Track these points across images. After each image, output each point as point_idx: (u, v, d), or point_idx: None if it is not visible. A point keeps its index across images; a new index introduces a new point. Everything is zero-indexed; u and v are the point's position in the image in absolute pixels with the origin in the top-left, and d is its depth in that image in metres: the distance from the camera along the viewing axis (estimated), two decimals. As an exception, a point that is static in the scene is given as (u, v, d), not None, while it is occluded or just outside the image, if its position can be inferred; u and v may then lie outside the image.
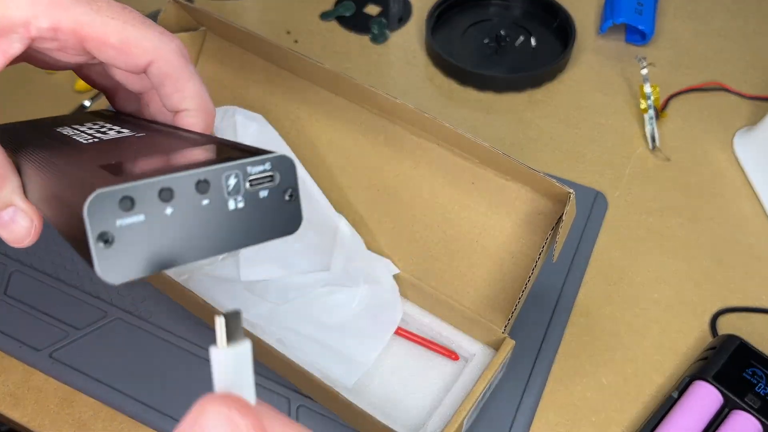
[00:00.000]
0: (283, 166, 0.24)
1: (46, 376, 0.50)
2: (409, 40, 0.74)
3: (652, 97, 0.64)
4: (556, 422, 0.48)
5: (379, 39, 0.73)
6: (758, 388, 0.47)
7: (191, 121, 0.30)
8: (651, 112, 0.64)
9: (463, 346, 0.49)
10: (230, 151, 0.24)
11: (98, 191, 0.20)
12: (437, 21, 0.74)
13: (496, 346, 0.48)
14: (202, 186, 0.22)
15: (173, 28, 0.54)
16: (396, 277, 0.50)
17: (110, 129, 0.31)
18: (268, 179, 0.23)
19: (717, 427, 0.46)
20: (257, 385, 0.49)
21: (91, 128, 0.32)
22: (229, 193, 0.22)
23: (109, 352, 0.51)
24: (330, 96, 0.51)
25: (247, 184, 0.23)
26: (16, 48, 0.27)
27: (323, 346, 0.49)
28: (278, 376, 0.49)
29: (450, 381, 0.48)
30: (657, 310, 0.54)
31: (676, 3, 0.77)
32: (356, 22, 0.75)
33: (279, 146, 0.51)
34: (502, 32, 0.73)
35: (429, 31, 0.71)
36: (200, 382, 0.49)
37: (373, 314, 0.50)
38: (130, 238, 0.21)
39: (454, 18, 0.75)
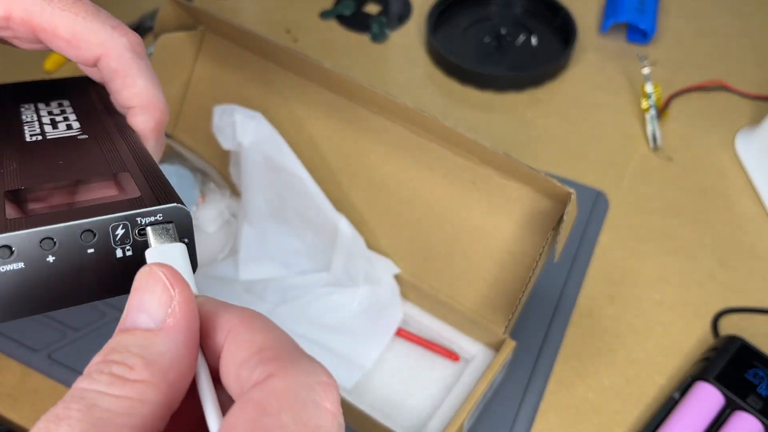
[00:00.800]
0: (178, 216, 0.23)
1: (44, 377, 0.50)
2: (409, 39, 0.74)
3: (654, 97, 0.64)
4: (558, 423, 0.48)
5: (379, 38, 0.73)
6: (760, 389, 0.47)
7: (139, 119, 0.29)
8: (652, 111, 0.64)
9: (463, 347, 0.49)
10: (133, 192, 0.24)
11: None
12: (438, 20, 0.73)
13: (497, 347, 0.48)
14: (87, 236, 0.22)
15: (172, 27, 0.54)
16: (396, 277, 0.50)
17: (67, 118, 0.31)
18: (159, 228, 0.23)
19: (719, 428, 0.46)
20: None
21: (51, 112, 0.32)
22: (116, 243, 0.22)
23: (107, 353, 0.50)
24: (330, 95, 0.51)
25: (136, 233, 0.23)
26: None
27: (323, 347, 0.49)
28: (278, 377, 0.49)
29: (450, 382, 0.48)
30: (659, 311, 0.53)
31: (678, 2, 0.77)
32: (356, 21, 0.75)
33: (278, 144, 0.50)
34: (503, 31, 0.73)
35: (429, 30, 0.71)
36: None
37: (373, 315, 0.50)
38: (8, 283, 0.21)
39: (454, 17, 0.75)
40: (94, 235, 0.22)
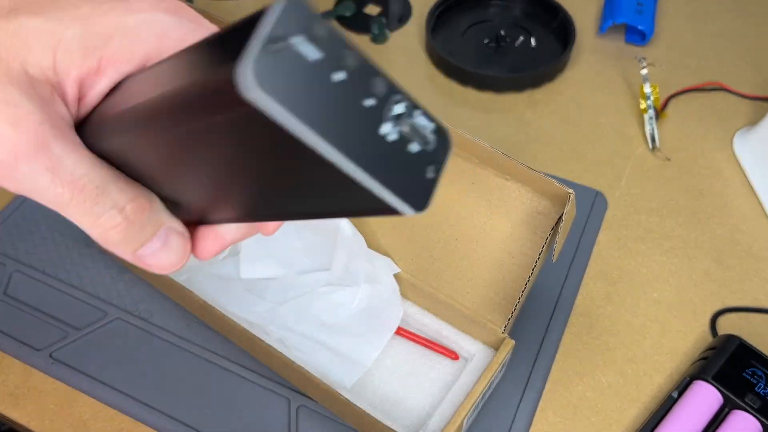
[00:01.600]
0: (442, 139, 0.20)
1: (45, 376, 0.50)
2: (409, 40, 0.74)
3: (652, 97, 0.64)
4: (556, 422, 0.48)
5: (379, 39, 0.73)
6: (758, 388, 0.47)
7: None
8: (651, 112, 0.64)
9: (463, 346, 0.49)
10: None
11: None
12: (437, 21, 0.73)
13: (496, 346, 0.48)
14: (377, 85, 0.19)
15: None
16: (396, 276, 0.50)
17: None
18: (423, 138, 0.20)
19: (717, 427, 0.46)
20: (256, 385, 0.49)
21: None
22: (386, 118, 0.19)
23: (108, 352, 0.51)
24: (330, 96, 0.51)
25: (406, 126, 0.19)
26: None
27: (323, 346, 0.49)
28: (278, 376, 0.49)
29: (450, 381, 0.48)
30: (657, 310, 0.54)
31: (676, 3, 0.77)
32: (356, 22, 0.75)
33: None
34: (502, 32, 0.73)
35: (429, 31, 0.71)
36: (200, 382, 0.49)
37: (373, 314, 0.50)
38: (292, 61, 0.17)
39: (454, 18, 0.75)
40: (383, 89, 0.19)
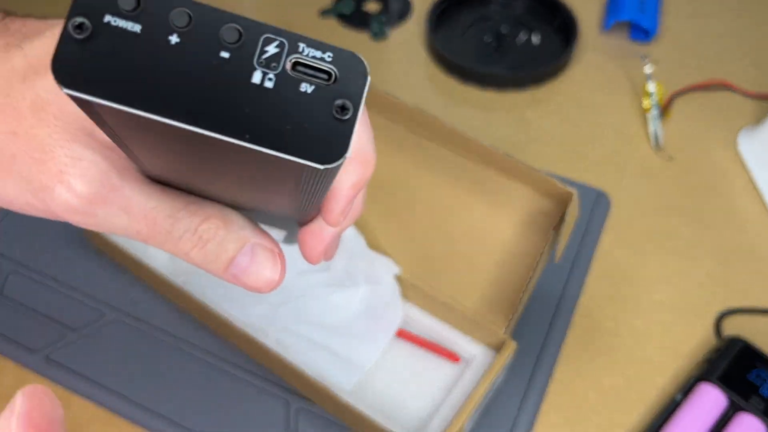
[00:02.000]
0: (351, 68, 0.17)
1: (41, 378, 0.49)
2: (409, 37, 0.73)
3: (656, 96, 0.64)
4: (559, 424, 0.48)
5: (378, 37, 0.73)
6: (763, 390, 0.46)
7: (341, 180, 0.24)
8: (654, 110, 0.64)
9: (464, 348, 0.49)
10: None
11: None
12: (438, 18, 0.73)
13: (498, 348, 0.48)
14: (231, 33, 0.16)
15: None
16: (396, 277, 0.50)
17: None
18: (322, 74, 0.17)
19: (721, 430, 0.45)
20: (254, 387, 0.49)
21: None
22: (258, 62, 0.16)
23: (105, 354, 0.50)
24: (329, 94, 0.50)
25: (288, 63, 0.17)
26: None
27: (323, 348, 0.49)
28: (277, 378, 0.49)
29: (451, 383, 0.48)
30: (660, 312, 0.53)
31: (680, 0, 0.77)
32: (356, 20, 0.74)
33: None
34: (504, 30, 0.72)
35: (430, 29, 0.71)
36: (198, 384, 0.49)
37: (373, 315, 0.50)
38: (111, 43, 0.16)
39: (455, 15, 0.74)
40: (239, 37, 0.16)
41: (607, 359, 0.51)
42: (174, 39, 0.16)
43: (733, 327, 0.52)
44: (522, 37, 0.72)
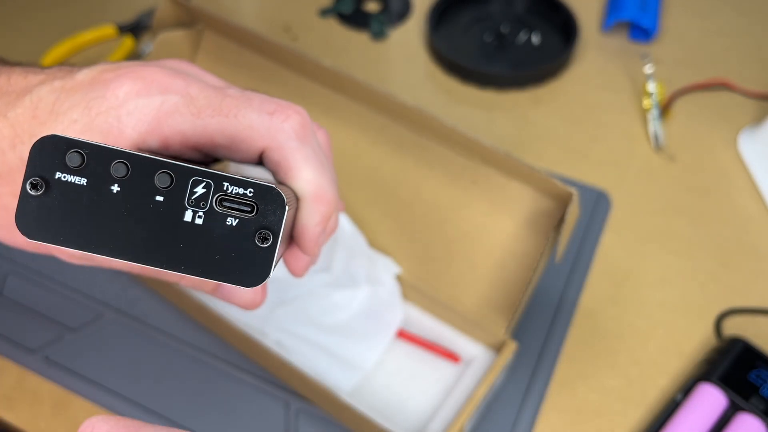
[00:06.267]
0: (270, 201, 0.20)
1: (41, 378, 0.49)
2: (409, 37, 0.73)
3: (656, 96, 0.64)
4: (559, 425, 0.48)
5: (379, 36, 0.73)
6: (763, 391, 0.46)
7: (303, 212, 0.27)
8: (655, 110, 0.64)
9: (464, 349, 0.49)
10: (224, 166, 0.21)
11: (49, 134, 0.18)
12: (438, 18, 0.73)
13: (498, 349, 0.47)
14: (163, 178, 0.19)
15: (170, 25, 0.54)
16: (397, 277, 0.50)
17: None
18: (246, 207, 0.20)
19: (721, 430, 0.45)
20: (254, 388, 0.49)
21: None
22: (189, 202, 0.19)
23: (105, 354, 0.50)
24: (329, 94, 0.50)
25: (215, 201, 0.19)
26: None
27: (322, 348, 0.49)
28: (276, 379, 0.49)
29: (451, 384, 0.48)
30: (661, 312, 0.53)
31: (681, 0, 0.77)
32: (356, 19, 0.74)
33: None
34: (504, 29, 0.72)
35: (430, 28, 0.71)
36: (197, 384, 0.49)
37: (373, 316, 0.50)
38: (64, 196, 0.19)
39: (455, 15, 0.74)
40: (171, 181, 0.19)
41: (608, 359, 0.51)
42: (115, 188, 0.19)
43: (734, 327, 0.52)
44: (522, 36, 0.72)
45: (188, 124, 0.25)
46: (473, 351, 0.48)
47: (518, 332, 0.50)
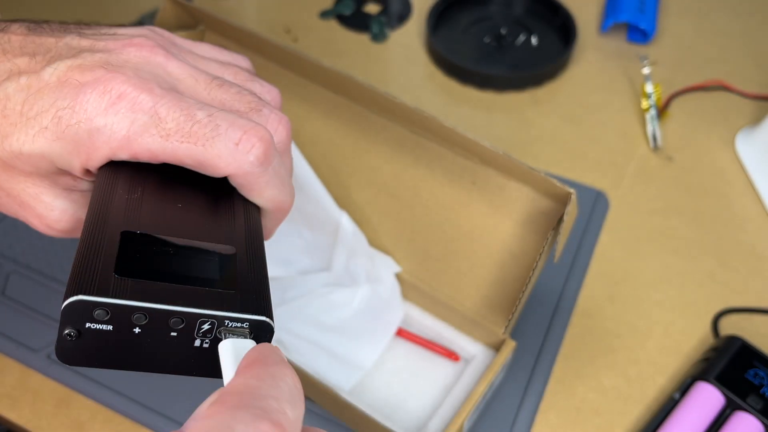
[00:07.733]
0: (262, 329, 0.25)
1: (43, 376, 0.49)
2: (409, 38, 0.74)
3: (654, 97, 0.64)
4: (558, 424, 0.48)
5: (378, 37, 0.73)
6: (761, 390, 0.46)
7: (265, 220, 0.31)
8: (653, 111, 0.64)
9: (463, 347, 0.49)
10: (230, 281, 0.25)
11: (76, 298, 0.22)
12: (438, 19, 0.73)
13: (497, 347, 0.48)
14: (176, 322, 0.24)
15: (172, 27, 0.54)
16: (396, 277, 0.50)
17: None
18: (242, 335, 0.24)
19: (719, 429, 0.45)
20: (256, 386, 0.49)
21: None
22: (198, 334, 0.24)
23: (106, 353, 0.50)
24: (329, 95, 0.51)
25: (218, 332, 0.24)
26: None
27: (322, 348, 0.49)
28: (277, 377, 0.49)
29: (450, 382, 0.48)
30: (659, 311, 0.53)
31: (678, 1, 0.77)
32: (356, 21, 0.75)
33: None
34: (503, 31, 0.73)
35: (429, 30, 0.71)
36: (198, 384, 0.49)
37: (373, 315, 0.50)
38: (94, 339, 0.23)
39: (454, 16, 0.75)
40: (182, 323, 0.24)
41: (606, 358, 0.51)
42: (137, 330, 0.23)
43: (732, 326, 0.52)
44: (521, 37, 0.73)
45: (157, 144, 0.27)
46: (472, 350, 0.49)
47: (517, 331, 0.51)
